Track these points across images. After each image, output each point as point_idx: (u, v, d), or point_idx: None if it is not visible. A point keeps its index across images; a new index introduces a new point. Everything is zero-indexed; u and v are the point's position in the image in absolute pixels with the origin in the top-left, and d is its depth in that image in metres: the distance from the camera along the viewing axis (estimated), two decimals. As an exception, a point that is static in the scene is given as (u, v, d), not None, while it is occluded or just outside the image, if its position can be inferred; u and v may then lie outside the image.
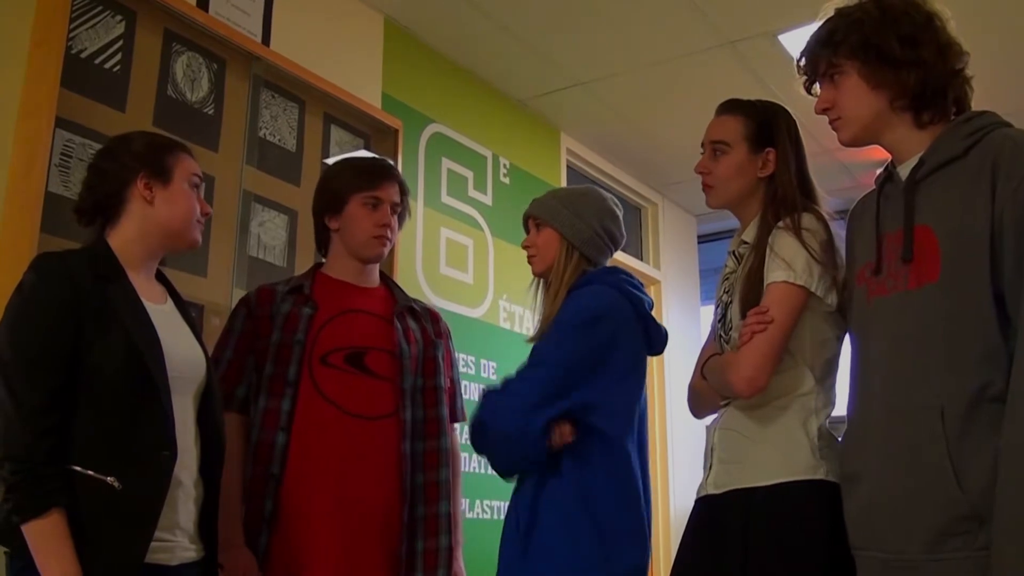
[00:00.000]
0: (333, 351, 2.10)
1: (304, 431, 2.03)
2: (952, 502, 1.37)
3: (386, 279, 2.34)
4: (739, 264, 1.87)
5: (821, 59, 1.63)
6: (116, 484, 1.56)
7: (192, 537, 1.73)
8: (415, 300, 2.35)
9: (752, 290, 1.76)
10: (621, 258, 4.80)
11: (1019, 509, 1.28)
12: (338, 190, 2.21)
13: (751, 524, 1.66)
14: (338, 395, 2.07)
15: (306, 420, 2.04)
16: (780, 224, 1.76)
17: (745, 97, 1.96)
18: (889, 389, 1.50)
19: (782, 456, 1.70)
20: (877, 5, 1.58)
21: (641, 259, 5.10)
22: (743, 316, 1.74)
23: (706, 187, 1.93)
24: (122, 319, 1.64)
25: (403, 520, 2.07)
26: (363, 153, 3.15)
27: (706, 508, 1.79)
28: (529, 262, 2.15)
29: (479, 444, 1.97)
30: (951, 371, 1.41)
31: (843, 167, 4.70)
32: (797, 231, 1.72)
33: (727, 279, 1.90)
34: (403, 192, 2.26)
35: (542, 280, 2.15)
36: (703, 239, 5.76)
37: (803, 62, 1.68)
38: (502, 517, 3.14)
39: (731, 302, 1.84)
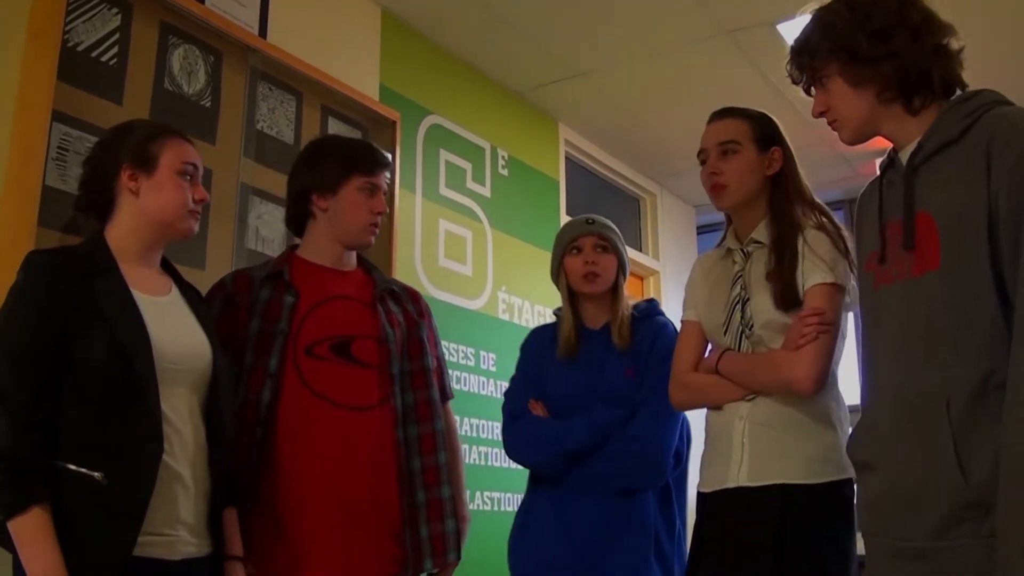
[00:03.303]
0: (319, 341, 2.04)
1: (292, 425, 1.97)
2: (957, 490, 1.36)
3: (363, 261, 2.26)
4: (747, 260, 1.93)
5: (804, 67, 1.65)
6: (102, 479, 1.55)
7: (197, 531, 1.71)
8: (394, 281, 2.30)
9: (787, 289, 1.83)
10: (620, 249, 4.80)
11: (1022, 496, 1.27)
12: (335, 170, 2.13)
13: (788, 519, 1.73)
14: (328, 388, 2.01)
15: (293, 414, 1.98)
16: (812, 224, 1.88)
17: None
18: (895, 378, 1.50)
19: (822, 451, 1.79)
20: (846, 4, 1.58)
21: (640, 250, 5.09)
22: (783, 313, 1.83)
23: (718, 187, 1.97)
24: (107, 314, 1.63)
25: (402, 509, 2.03)
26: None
27: (735, 500, 1.83)
28: (592, 278, 2.29)
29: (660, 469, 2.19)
30: (955, 360, 1.40)
31: (842, 158, 4.69)
32: (829, 232, 1.85)
33: (739, 276, 1.94)
34: (389, 182, 2.24)
35: (581, 295, 2.34)
36: (702, 230, 5.75)
37: (790, 69, 1.70)
38: (503, 508, 3.18)
39: (749, 298, 1.89)
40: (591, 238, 2.32)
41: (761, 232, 1.93)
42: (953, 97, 1.54)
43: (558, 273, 2.37)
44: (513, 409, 2.34)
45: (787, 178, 1.95)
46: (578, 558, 2.14)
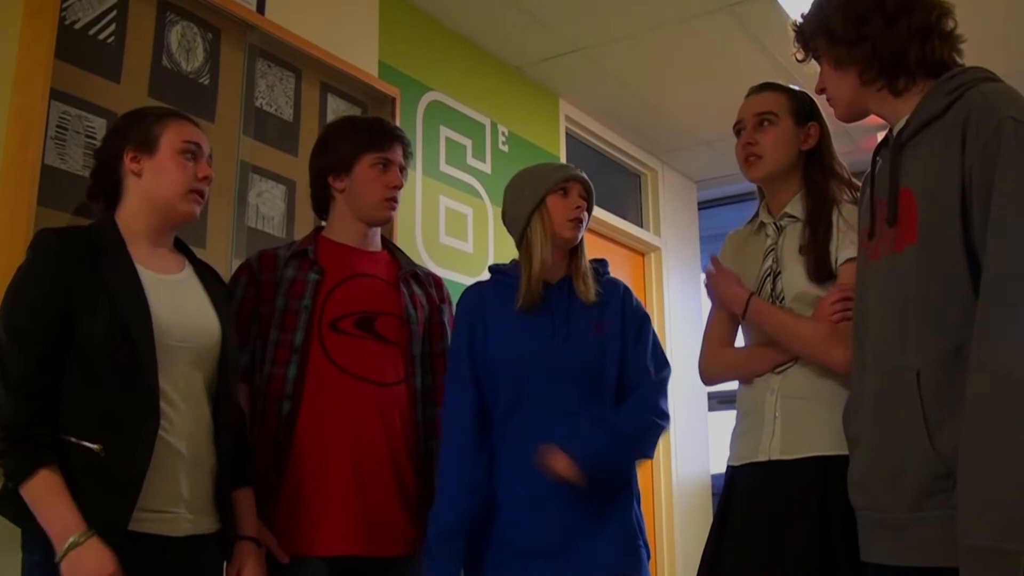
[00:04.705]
0: (343, 317, 2.08)
1: (315, 399, 2.01)
2: (928, 462, 1.39)
3: (388, 243, 2.32)
4: (779, 235, 1.95)
5: (802, 48, 1.70)
6: (100, 451, 1.58)
7: (200, 509, 1.73)
8: (418, 265, 2.34)
9: (821, 262, 1.84)
10: (621, 225, 4.79)
11: (978, 470, 1.29)
12: (347, 149, 2.17)
13: (829, 490, 1.71)
14: (350, 362, 2.05)
15: (317, 387, 2.02)
16: (847, 200, 1.89)
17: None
18: (877, 353, 1.53)
19: None
20: None
21: (641, 226, 5.08)
22: (816, 286, 1.83)
23: (752, 157, 1.99)
24: (111, 290, 1.66)
25: (419, 488, 2.07)
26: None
27: (768, 474, 1.83)
28: (579, 224, 2.09)
29: (653, 438, 2.09)
30: (929, 333, 1.43)
31: (843, 131, 4.65)
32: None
33: (771, 250, 1.95)
34: (407, 155, 2.24)
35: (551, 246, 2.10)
36: (703, 205, 5.74)
37: (795, 47, 1.74)
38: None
39: (780, 271, 1.91)
40: (578, 184, 2.12)
41: (795, 206, 1.95)
42: (932, 74, 1.56)
43: (533, 212, 2.08)
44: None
45: (822, 154, 1.98)
46: (556, 539, 1.93)
